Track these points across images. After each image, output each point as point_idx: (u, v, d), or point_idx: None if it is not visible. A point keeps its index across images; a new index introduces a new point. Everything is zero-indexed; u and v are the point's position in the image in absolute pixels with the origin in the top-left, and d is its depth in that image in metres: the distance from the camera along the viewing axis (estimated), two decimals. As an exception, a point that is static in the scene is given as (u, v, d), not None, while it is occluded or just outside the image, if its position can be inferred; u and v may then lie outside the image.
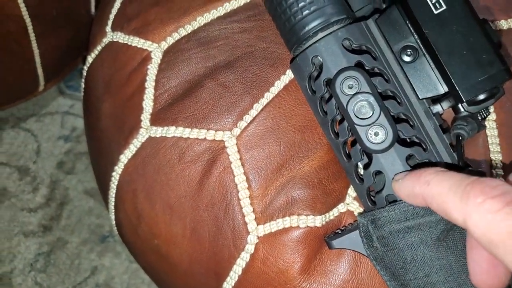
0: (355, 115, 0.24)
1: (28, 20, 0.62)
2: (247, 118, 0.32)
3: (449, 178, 0.21)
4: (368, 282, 0.29)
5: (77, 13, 0.70)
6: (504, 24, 0.34)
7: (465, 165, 0.25)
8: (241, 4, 0.36)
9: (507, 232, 0.18)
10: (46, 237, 0.68)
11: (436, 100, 0.27)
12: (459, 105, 0.26)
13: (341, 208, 0.30)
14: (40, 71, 0.73)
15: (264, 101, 0.32)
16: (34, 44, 0.67)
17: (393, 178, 0.24)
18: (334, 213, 0.30)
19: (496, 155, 0.31)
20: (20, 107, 0.80)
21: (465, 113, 0.26)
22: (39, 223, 0.69)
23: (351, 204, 0.31)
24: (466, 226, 0.20)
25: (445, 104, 0.26)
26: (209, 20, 0.35)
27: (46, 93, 0.83)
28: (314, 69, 0.26)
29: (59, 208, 0.71)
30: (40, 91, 0.78)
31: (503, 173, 0.31)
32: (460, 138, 0.25)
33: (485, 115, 0.27)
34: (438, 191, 0.21)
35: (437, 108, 0.26)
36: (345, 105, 0.25)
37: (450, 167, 0.25)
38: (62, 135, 0.79)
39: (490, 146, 0.32)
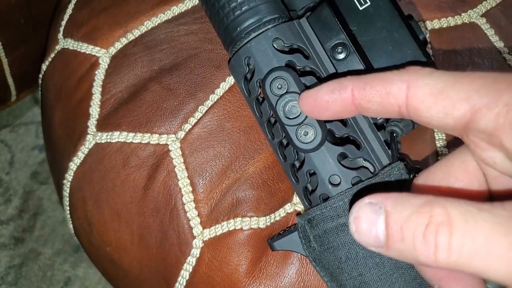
0: (285, 115, 0.24)
1: (-7, 30, 0.61)
2: (192, 121, 0.31)
3: None
4: (315, 283, 0.29)
5: (47, 21, 0.69)
6: (436, 23, 0.34)
7: (400, 161, 0.25)
8: (189, 7, 0.35)
9: None
10: (17, 249, 0.67)
11: None
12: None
13: (288, 208, 0.30)
14: (10, 81, 0.72)
15: (209, 103, 0.32)
16: (2, 54, 0.66)
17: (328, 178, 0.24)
18: (280, 213, 0.30)
19: (442, 145, 0.31)
20: (-7, 118, 0.79)
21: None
22: (10, 235, 0.68)
23: (299, 204, 0.30)
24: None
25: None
26: (157, 24, 0.35)
27: (20, 103, 0.82)
28: (248, 70, 0.26)
29: (32, 219, 0.70)
30: (13, 101, 0.77)
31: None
32: (394, 135, 0.25)
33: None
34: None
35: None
36: (274, 105, 0.24)
37: None
38: (37, 145, 0.78)
39: (436, 142, 0.31)
